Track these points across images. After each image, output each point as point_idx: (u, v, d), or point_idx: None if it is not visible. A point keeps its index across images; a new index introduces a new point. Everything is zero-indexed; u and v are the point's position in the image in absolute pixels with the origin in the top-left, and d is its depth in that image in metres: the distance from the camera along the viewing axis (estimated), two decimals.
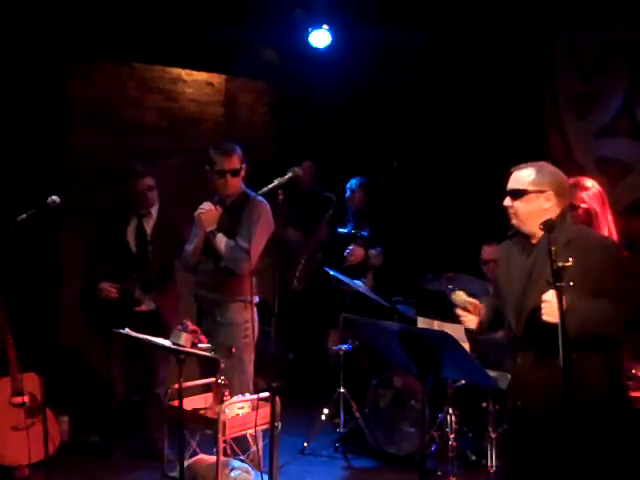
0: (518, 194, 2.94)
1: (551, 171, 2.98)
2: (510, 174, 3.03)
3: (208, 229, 4.17)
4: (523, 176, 2.96)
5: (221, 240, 4.17)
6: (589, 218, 3.56)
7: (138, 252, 4.89)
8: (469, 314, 3.05)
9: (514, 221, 2.99)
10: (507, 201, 2.99)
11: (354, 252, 5.72)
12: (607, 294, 2.76)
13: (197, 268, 4.33)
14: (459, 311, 3.06)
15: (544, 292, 2.70)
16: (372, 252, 5.74)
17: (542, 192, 2.92)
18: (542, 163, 3.02)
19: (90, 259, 4.99)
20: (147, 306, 4.87)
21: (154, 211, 4.96)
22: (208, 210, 4.18)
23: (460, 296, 3.05)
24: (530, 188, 2.93)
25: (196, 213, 4.20)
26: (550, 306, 2.69)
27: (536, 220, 2.87)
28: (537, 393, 2.87)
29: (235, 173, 4.22)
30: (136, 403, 5.00)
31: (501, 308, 3.07)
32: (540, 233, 2.86)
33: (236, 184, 4.25)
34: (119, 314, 4.68)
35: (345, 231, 5.84)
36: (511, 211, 2.98)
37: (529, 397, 2.92)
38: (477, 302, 3.06)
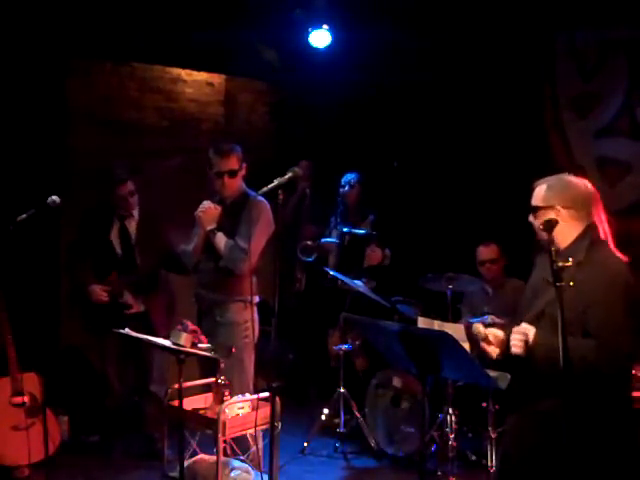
0: (534, 210, 2.93)
1: (563, 185, 2.92)
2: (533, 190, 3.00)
3: (208, 228, 4.17)
4: (537, 192, 2.94)
5: (221, 239, 4.17)
6: None
7: (124, 254, 4.90)
8: (491, 346, 2.93)
9: (538, 236, 2.93)
10: (530, 217, 2.96)
11: (376, 253, 5.67)
12: (590, 327, 2.70)
13: (197, 267, 4.33)
14: (482, 344, 2.94)
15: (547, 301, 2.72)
16: (386, 252, 5.72)
17: (551, 208, 2.88)
18: (559, 176, 2.97)
19: (73, 258, 4.99)
20: (137, 307, 4.88)
21: (135, 213, 4.98)
22: (208, 209, 4.18)
23: (477, 329, 2.96)
24: (541, 204, 2.90)
25: (196, 212, 4.20)
26: (518, 338, 2.73)
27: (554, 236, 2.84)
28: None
29: (233, 174, 4.20)
30: (135, 403, 5.01)
31: None
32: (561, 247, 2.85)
33: (234, 185, 4.24)
34: (109, 315, 4.71)
35: (364, 232, 5.77)
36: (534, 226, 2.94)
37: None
38: (497, 332, 2.95)
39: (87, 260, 4.91)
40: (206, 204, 4.20)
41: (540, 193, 2.93)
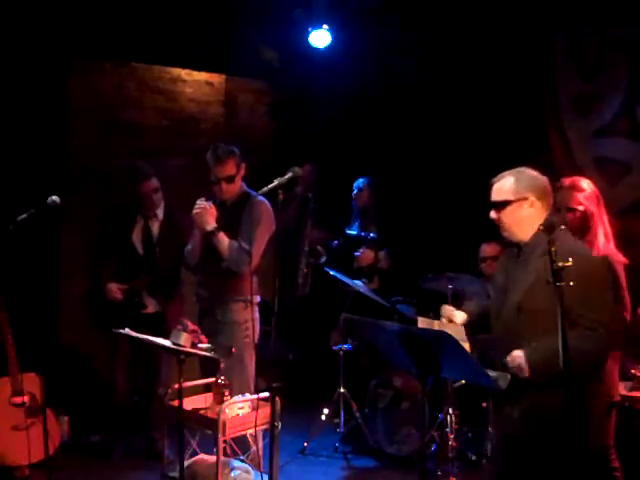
0: (501, 205, 2.97)
1: (530, 176, 2.99)
2: (491, 186, 3.04)
3: (208, 228, 4.13)
4: (503, 186, 2.98)
5: (223, 240, 4.13)
6: (585, 220, 3.54)
7: (145, 253, 4.87)
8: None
9: (504, 233, 3.01)
10: (492, 214, 3.01)
11: (364, 254, 5.71)
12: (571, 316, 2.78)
13: (198, 267, 4.32)
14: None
15: (526, 291, 2.82)
16: (381, 254, 5.74)
17: (524, 199, 2.94)
18: (520, 169, 3.03)
19: (97, 257, 4.97)
20: (152, 308, 4.87)
21: (160, 212, 4.93)
22: (203, 209, 4.13)
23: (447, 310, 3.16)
24: (512, 197, 2.95)
25: (192, 213, 4.16)
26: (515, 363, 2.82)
27: (523, 228, 2.95)
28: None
29: (230, 180, 4.18)
30: (137, 403, 5.00)
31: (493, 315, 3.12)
32: (526, 239, 2.95)
33: (232, 189, 4.22)
34: (125, 315, 4.68)
35: (355, 233, 5.81)
36: (497, 223, 3.00)
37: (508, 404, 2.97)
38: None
39: (110, 259, 4.88)
40: (200, 204, 4.14)
41: (508, 186, 2.96)
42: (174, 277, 4.90)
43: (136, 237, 4.89)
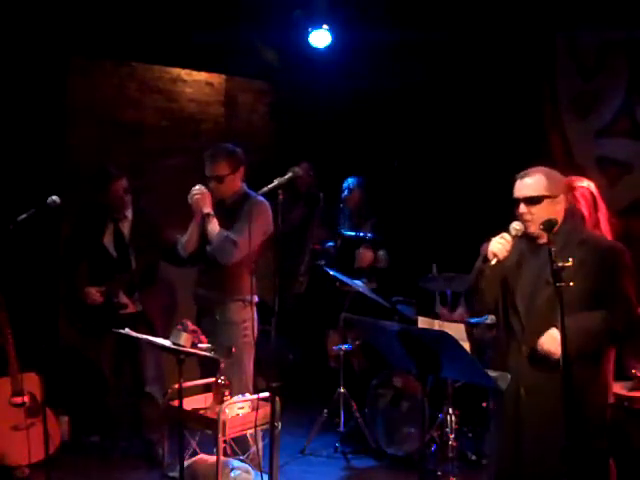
0: (535, 201, 3.04)
1: (557, 176, 3.12)
2: (514, 181, 3.14)
3: (205, 211, 4.11)
4: (537, 182, 3.06)
5: (215, 226, 4.11)
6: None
7: (119, 255, 4.87)
8: (507, 244, 3.03)
9: (531, 228, 3.05)
10: (522, 208, 3.06)
11: (365, 254, 5.69)
12: (607, 299, 2.94)
13: (192, 259, 4.31)
14: (504, 235, 3.05)
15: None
16: (380, 254, 5.73)
17: (556, 196, 3.06)
18: (542, 168, 3.13)
19: (69, 262, 4.98)
20: (133, 308, 4.86)
21: (129, 213, 4.93)
22: (203, 193, 4.11)
23: (518, 226, 3.06)
24: (547, 193, 3.04)
25: (190, 197, 4.12)
26: (552, 340, 2.88)
27: None
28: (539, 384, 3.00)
29: (219, 180, 4.17)
30: (132, 406, 5.00)
31: (506, 303, 3.16)
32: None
33: (222, 189, 4.20)
34: (105, 317, 4.70)
35: (353, 234, 5.80)
36: (527, 217, 3.05)
37: (531, 386, 3.02)
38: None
39: (82, 264, 4.89)
40: (199, 189, 4.11)
41: (541, 183, 3.05)
42: (150, 275, 4.92)
43: (108, 240, 4.88)
